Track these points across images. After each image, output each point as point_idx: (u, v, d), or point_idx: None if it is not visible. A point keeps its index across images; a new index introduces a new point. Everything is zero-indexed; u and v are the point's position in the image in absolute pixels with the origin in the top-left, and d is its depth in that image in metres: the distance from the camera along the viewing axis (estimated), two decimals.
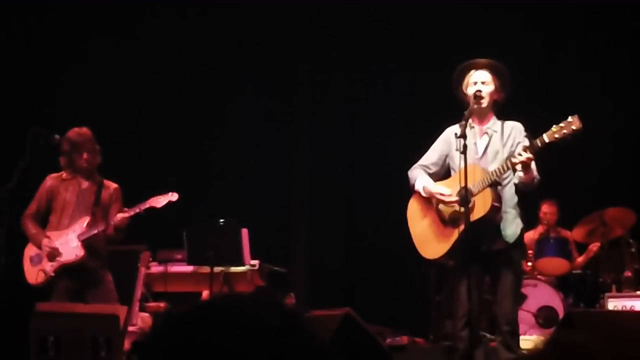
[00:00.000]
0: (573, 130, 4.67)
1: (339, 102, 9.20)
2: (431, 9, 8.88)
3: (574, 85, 8.64)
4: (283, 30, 9.15)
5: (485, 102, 5.01)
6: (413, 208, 5.25)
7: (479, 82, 5.03)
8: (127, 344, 5.60)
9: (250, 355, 1.10)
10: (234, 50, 9.12)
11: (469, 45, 7.80)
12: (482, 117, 5.07)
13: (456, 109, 5.11)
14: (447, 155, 5.16)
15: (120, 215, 5.64)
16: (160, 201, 5.67)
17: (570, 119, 4.69)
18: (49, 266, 5.71)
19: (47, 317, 5.14)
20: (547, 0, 8.70)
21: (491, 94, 5.04)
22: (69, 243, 5.70)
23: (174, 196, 5.70)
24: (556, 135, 4.68)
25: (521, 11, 8.78)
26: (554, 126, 4.70)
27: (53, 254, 5.69)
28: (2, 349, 5.73)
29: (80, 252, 5.68)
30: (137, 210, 5.67)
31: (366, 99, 9.12)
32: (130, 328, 5.90)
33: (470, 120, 4.95)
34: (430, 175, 5.18)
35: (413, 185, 5.19)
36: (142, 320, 6.29)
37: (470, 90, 5.03)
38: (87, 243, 5.69)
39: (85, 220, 5.72)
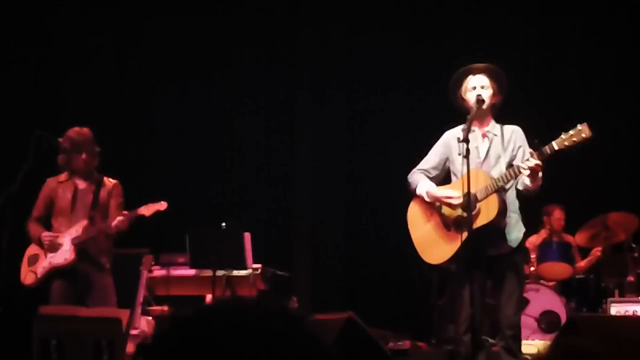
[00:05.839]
0: (583, 138, 4.65)
1: (339, 106, 9.20)
2: (431, 14, 8.89)
3: (575, 89, 8.64)
4: (284, 32, 9.16)
5: (485, 106, 5.02)
6: (414, 212, 5.23)
7: (478, 86, 5.03)
8: (129, 348, 5.60)
9: (253, 359, 1.11)
10: (236, 54, 9.14)
11: (469, 49, 7.81)
12: (481, 120, 5.07)
13: (455, 111, 5.12)
14: (447, 159, 5.15)
15: (119, 218, 5.56)
16: (149, 209, 5.60)
17: (579, 127, 4.66)
18: (40, 268, 5.69)
19: (50, 320, 5.13)
20: (546, 2, 8.72)
21: (490, 98, 5.05)
22: (62, 246, 5.65)
23: (162, 205, 5.63)
24: (566, 143, 4.67)
25: (520, 15, 8.79)
26: (563, 134, 4.67)
27: (54, 245, 5.64)
28: (5, 352, 5.73)
29: (70, 256, 5.61)
30: (131, 217, 5.60)
31: (366, 100, 9.12)
32: (133, 331, 5.90)
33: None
34: (430, 179, 5.17)
35: (414, 190, 5.17)
36: (144, 323, 6.30)
37: (469, 95, 5.03)
38: (80, 247, 5.62)
39: (83, 224, 5.65)
